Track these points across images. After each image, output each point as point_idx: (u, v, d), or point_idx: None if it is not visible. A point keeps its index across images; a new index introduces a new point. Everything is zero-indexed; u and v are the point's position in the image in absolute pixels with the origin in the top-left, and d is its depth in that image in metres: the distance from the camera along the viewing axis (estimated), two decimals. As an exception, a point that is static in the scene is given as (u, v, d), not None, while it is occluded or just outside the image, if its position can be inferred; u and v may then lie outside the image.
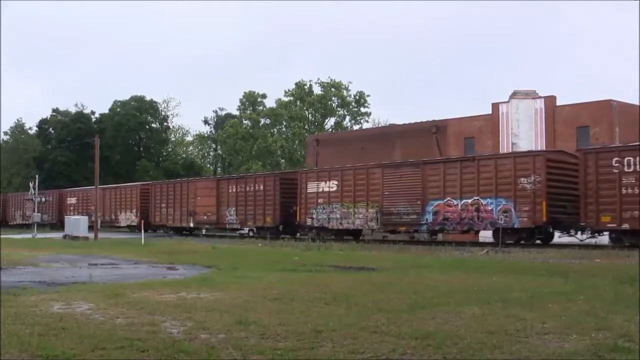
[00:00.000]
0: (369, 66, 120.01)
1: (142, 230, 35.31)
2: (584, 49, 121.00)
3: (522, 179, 24.54)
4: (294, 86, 71.79)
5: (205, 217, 38.30)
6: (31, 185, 49.12)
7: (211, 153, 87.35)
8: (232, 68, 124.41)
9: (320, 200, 31.44)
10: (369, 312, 9.35)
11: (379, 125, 66.99)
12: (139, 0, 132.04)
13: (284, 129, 72.38)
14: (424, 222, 27.50)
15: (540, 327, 8.13)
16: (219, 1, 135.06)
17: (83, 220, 38.32)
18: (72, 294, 11.63)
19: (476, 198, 25.88)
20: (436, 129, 42.31)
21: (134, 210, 45.23)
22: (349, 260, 20.28)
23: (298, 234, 34.03)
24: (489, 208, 25.42)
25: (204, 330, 8.05)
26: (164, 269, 17.97)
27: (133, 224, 44.48)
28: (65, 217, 42.97)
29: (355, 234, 31.72)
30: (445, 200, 26.79)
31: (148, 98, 76.98)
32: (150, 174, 68.69)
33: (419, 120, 45.54)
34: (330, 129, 71.07)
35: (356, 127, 70.75)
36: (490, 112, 40.06)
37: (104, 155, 56.79)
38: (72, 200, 52.42)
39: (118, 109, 75.56)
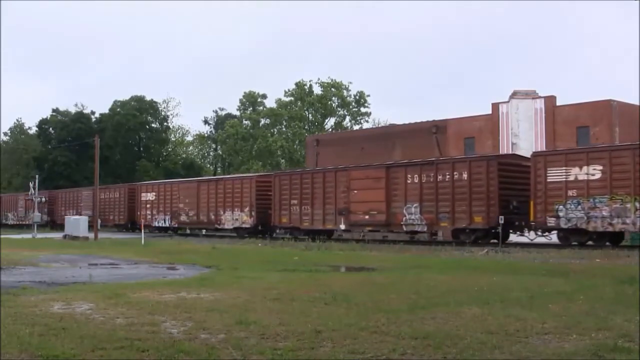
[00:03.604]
0: (369, 66, 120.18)
1: (142, 230, 35.32)
2: (584, 49, 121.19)
3: None
4: (294, 86, 71.88)
5: (366, 217, 29.92)
6: (31, 185, 49.01)
7: (211, 153, 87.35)
8: (233, 68, 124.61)
9: (571, 193, 23.75)
10: (369, 312, 9.35)
11: (379, 125, 67.03)
12: (139, 0, 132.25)
13: (284, 129, 72.37)
14: None
15: (540, 327, 8.13)
16: (219, 2, 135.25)
17: (83, 220, 38.20)
18: (72, 294, 11.64)
19: None
20: (436, 129, 42.35)
21: (247, 209, 35.88)
22: (349, 260, 20.29)
23: (533, 237, 25.73)
24: None
25: (204, 330, 8.06)
26: (164, 269, 17.99)
27: (245, 225, 36.03)
28: (65, 217, 42.58)
29: (615, 238, 24.29)
30: None
31: (148, 98, 77.07)
32: (150, 174, 68.66)
33: (419, 120, 45.67)
34: (330, 129, 71.08)
35: (356, 127, 70.82)
36: (490, 112, 40.13)
37: (104, 155, 56.71)
38: (148, 196, 43.60)
39: (118, 109, 75.56)
